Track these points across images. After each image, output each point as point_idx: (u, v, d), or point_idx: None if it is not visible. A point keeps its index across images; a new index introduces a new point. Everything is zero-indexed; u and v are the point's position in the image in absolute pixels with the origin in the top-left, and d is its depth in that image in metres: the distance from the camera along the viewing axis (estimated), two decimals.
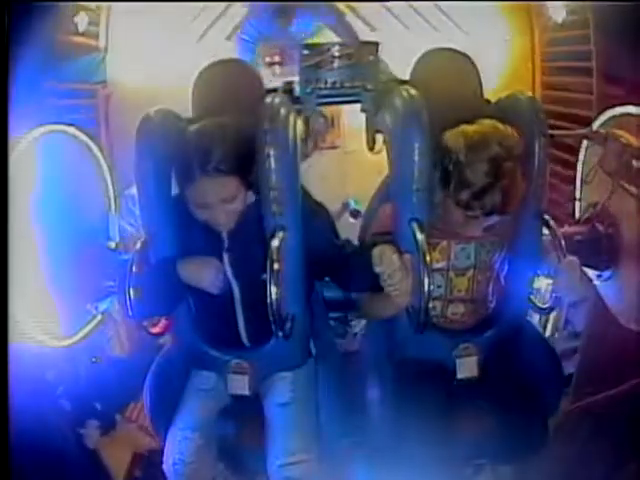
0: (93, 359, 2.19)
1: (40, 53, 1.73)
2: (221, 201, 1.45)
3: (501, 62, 2.87)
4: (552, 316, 2.47)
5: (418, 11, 2.93)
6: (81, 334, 1.90)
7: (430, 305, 1.46)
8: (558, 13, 2.57)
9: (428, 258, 1.44)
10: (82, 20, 2.50)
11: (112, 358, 2.41)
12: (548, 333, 2.49)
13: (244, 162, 1.46)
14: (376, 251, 1.39)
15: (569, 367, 2.31)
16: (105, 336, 2.36)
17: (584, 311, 2.43)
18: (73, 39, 2.48)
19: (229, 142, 1.42)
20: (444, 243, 1.64)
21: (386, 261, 1.36)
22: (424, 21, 2.92)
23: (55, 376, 1.99)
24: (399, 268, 1.35)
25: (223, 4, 2.84)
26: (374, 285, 1.40)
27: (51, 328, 1.73)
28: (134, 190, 1.59)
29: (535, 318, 2.17)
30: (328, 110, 3.00)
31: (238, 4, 2.82)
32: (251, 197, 1.54)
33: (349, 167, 3.00)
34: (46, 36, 1.81)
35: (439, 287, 1.66)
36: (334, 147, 3.09)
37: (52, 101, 2.15)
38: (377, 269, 1.37)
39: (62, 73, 2.29)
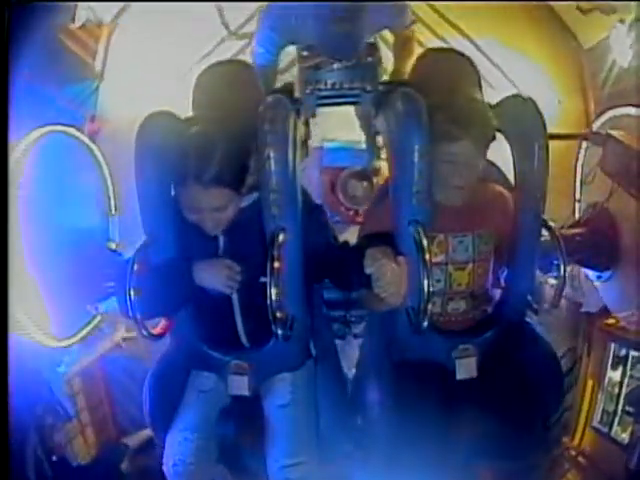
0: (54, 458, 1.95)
1: (38, 60, 1.68)
2: (212, 209, 1.45)
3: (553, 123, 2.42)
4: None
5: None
6: (80, 335, 1.91)
7: (430, 302, 1.46)
8: (623, 57, 2.26)
9: (427, 256, 1.44)
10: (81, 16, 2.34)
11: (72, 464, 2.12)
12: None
13: (239, 175, 1.46)
14: (368, 253, 1.41)
15: None
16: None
17: None
18: (70, 43, 2.34)
19: (227, 156, 1.41)
20: (441, 236, 1.65)
21: (375, 264, 1.38)
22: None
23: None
24: (386, 271, 1.37)
25: (235, 46, 2.73)
26: (370, 284, 1.41)
27: (51, 328, 1.73)
28: None
29: None
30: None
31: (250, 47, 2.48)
32: (244, 201, 1.54)
33: None
34: (46, 36, 1.80)
35: (438, 282, 1.66)
36: None
37: (52, 101, 2.12)
38: (367, 270, 1.39)
39: (56, 89, 2.15)
